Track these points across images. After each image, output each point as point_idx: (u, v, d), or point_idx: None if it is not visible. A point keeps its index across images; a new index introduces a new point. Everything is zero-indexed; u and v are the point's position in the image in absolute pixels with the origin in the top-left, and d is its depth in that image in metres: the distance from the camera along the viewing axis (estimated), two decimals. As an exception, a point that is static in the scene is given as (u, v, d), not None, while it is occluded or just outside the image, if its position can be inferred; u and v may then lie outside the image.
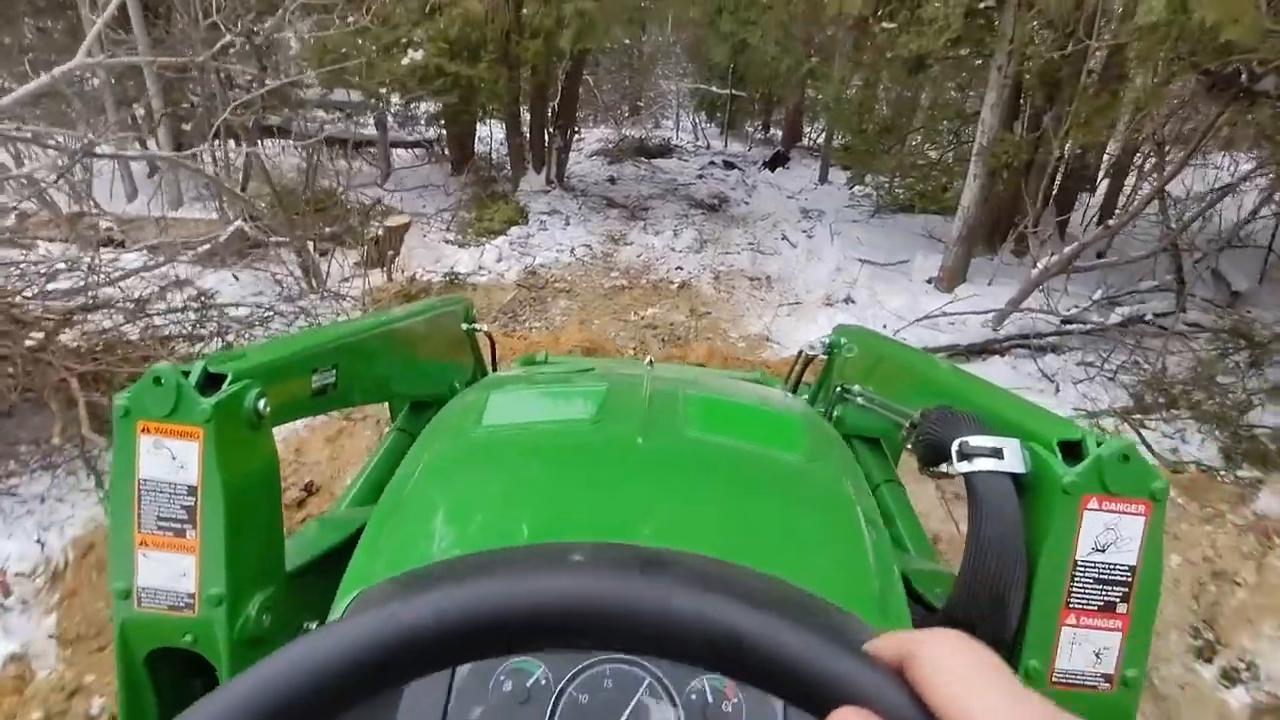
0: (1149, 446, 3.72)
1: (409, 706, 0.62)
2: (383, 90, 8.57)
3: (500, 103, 8.33)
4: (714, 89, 17.54)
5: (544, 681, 0.64)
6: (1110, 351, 4.81)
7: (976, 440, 0.76)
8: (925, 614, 0.84)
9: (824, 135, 12.04)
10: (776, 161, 13.31)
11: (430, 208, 9.33)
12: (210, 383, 0.79)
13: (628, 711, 0.62)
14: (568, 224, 8.89)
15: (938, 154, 7.23)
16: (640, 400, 1.01)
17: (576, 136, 16.42)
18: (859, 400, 1.38)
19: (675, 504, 0.82)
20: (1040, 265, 5.37)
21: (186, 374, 0.77)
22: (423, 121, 10.09)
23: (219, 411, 0.76)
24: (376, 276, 6.35)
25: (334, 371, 1.04)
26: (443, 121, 10.95)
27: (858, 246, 8.07)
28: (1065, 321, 5.14)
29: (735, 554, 0.58)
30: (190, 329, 4.16)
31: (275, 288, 5.63)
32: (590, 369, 1.57)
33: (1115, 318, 5.17)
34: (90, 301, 3.82)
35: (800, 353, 1.87)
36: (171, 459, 0.76)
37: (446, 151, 11.47)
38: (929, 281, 6.86)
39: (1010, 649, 0.75)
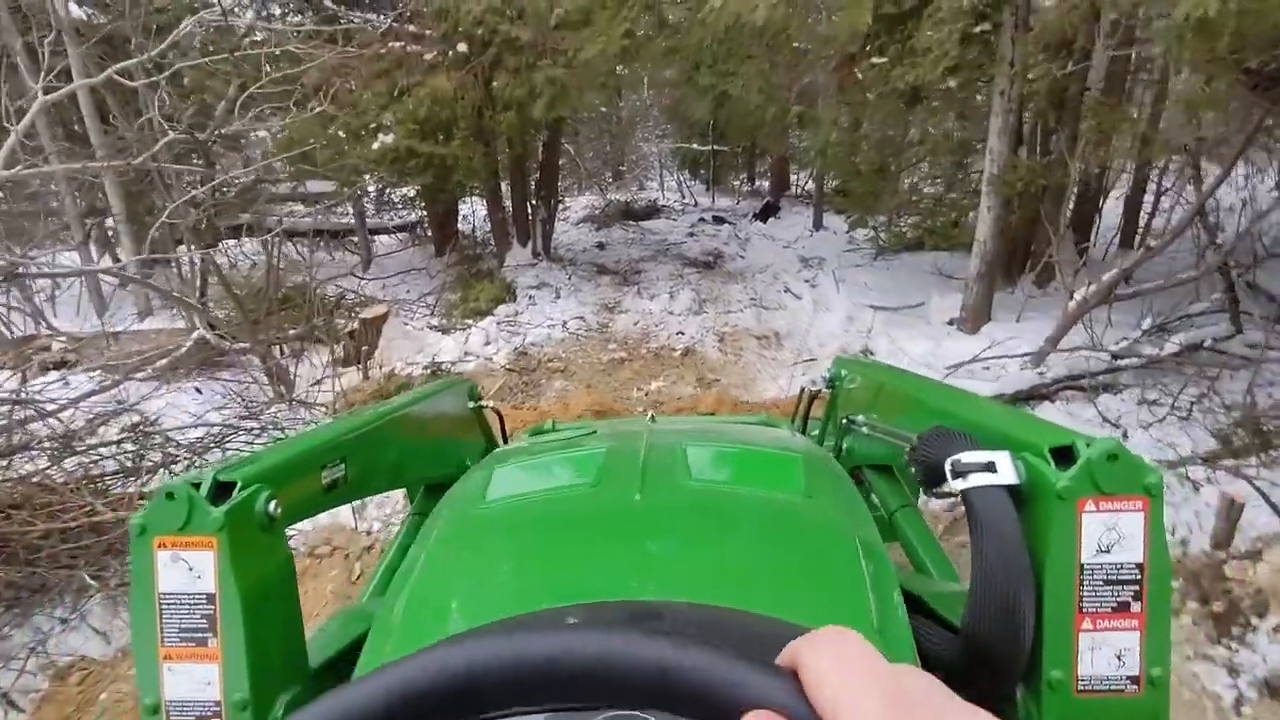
0: (1271, 504, 3.12)
1: None
2: (355, 178, 8.25)
3: (478, 179, 7.99)
4: (696, 146, 17.46)
5: None
6: (1180, 388, 4.24)
7: (969, 457, 0.76)
8: (947, 636, 0.80)
9: (814, 181, 11.74)
10: (767, 212, 13.01)
11: (414, 293, 8.91)
12: (221, 491, 0.79)
13: None
14: (558, 296, 8.44)
15: (940, 188, 6.82)
16: (638, 458, 1.00)
17: (561, 205, 16.29)
18: (864, 430, 1.37)
19: (671, 556, 0.82)
20: (1078, 296, 4.85)
21: (197, 485, 0.78)
22: (400, 205, 9.74)
23: (231, 518, 0.77)
24: (353, 375, 5.85)
25: (343, 465, 1.04)
26: (422, 203, 10.69)
27: (866, 292, 7.60)
28: (1116, 356, 4.59)
29: (730, 597, 0.69)
30: (131, 462, 3.62)
31: (242, 399, 5.12)
32: (592, 432, 1.56)
33: (1171, 347, 4.62)
34: (7, 444, 3.28)
35: (803, 390, 1.87)
36: (189, 570, 0.77)
37: (429, 233, 11.20)
38: (950, 323, 6.35)
39: (1030, 662, 0.73)
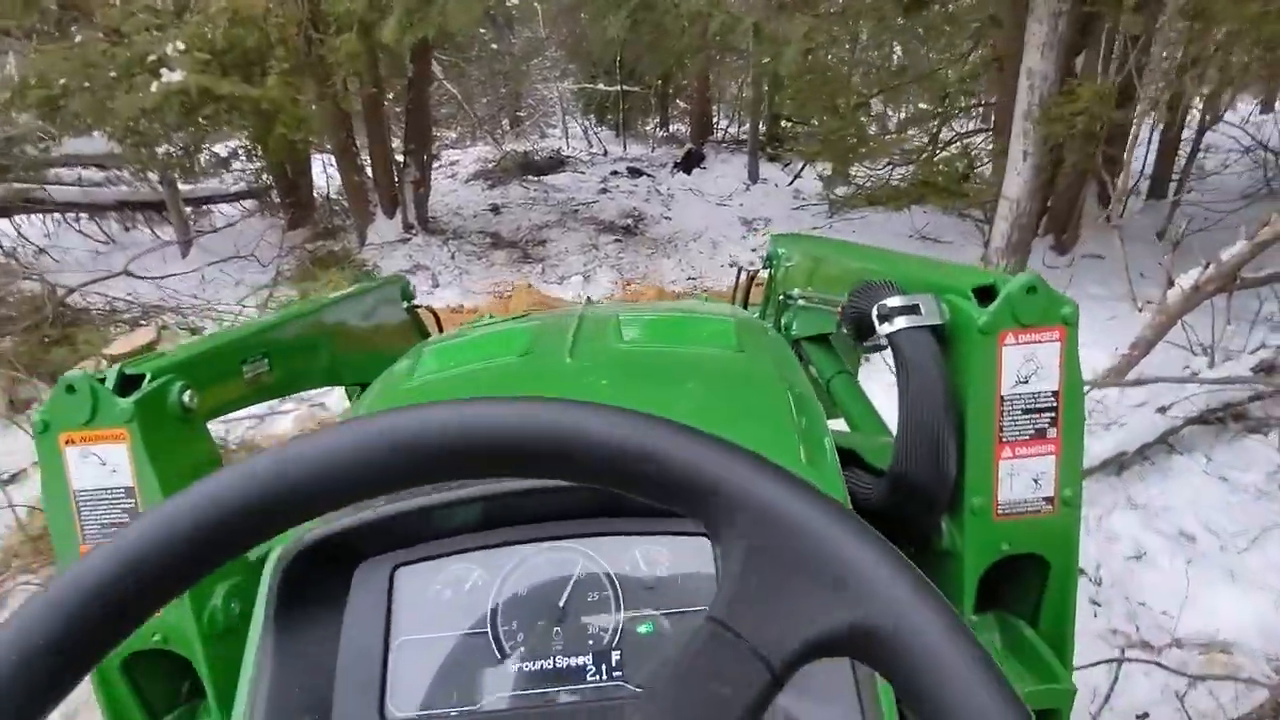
0: None
1: (352, 623, 0.62)
2: (136, 132, 5.90)
3: (310, 130, 5.81)
4: (602, 86, 15.41)
5: (481, 582, 0.64)
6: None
7: (893, 301, 0.77)
8: (876, 480, 0.80)
9: (750, 123, 9.96)
10: (690, 161, 11.19)
11: (246, 286, 6.72)
12: (129, 384, 0.76)
13: (566, 593, 0.63)
14: (436, 284, 6.46)
15: (940, 127, 5.23)
16: (569, 330, 0.98)
17: (448, 161, 13.97)
18: (800, 303, 1.38)
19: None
20: (1182, 282, 3.32)
21: (102, 380, 0.75)
22: (236, 161, 7.36)
23: (142, 409, 0.74)
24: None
25: (266, 361, 1.02)
26: (260, 164, 8.33)
27: (835, 265, 5.97)
28: (1265, 370, 3.09)
29: None
30: None
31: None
32: (525, 315, 1.52)
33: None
34: None
35: (739, 269, 1.87)
36: (102, 465, 0.75)
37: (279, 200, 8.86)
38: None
39: (953, 493, 0.75)
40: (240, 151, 7.12)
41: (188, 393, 0.79)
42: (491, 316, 2.26)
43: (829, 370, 1.34)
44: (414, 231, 7.46)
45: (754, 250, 6.78)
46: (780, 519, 0.31)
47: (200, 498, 0.33)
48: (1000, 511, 0.76)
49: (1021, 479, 0.75)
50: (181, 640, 0.76)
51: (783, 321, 1.51)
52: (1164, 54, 3.72)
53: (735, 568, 0.31)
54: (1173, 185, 5.52)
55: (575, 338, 0.94)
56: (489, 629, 0.62)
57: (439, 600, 0.64)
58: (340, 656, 0.62)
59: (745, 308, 1.83)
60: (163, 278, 6.22)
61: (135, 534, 0.32)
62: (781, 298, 1.50)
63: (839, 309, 0.92)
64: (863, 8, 4.18)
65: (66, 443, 0.74)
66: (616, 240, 8.13)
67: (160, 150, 5.96)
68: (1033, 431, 0.75)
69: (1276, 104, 5.68)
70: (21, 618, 0.30)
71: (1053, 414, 0.75)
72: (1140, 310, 4.22)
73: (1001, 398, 0.74)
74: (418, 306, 1.73)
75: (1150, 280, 4.59)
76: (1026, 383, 0.74)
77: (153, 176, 6.82)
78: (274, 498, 0.33)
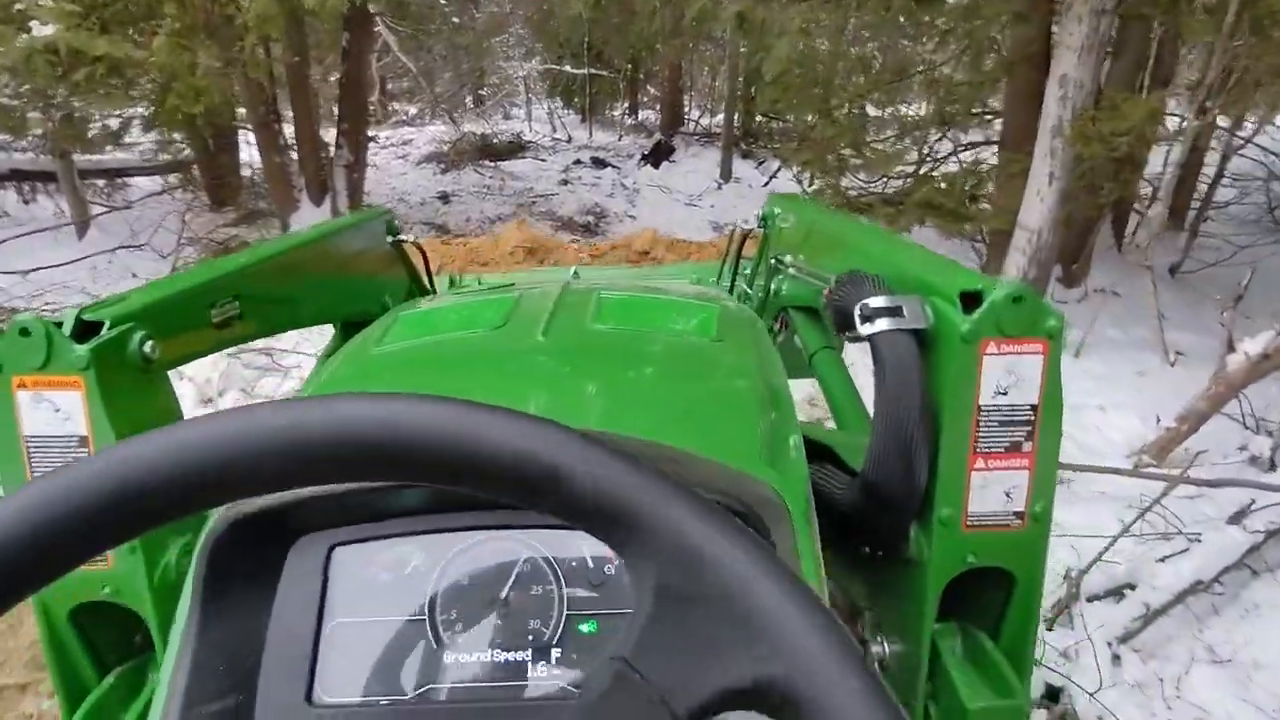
0: None
1: (284, 601, 0.60)
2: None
3: (212, 103, 4.92)
4: (568, 69, 14.54)
5: (421, 567, 0.62)
6: None
7: (876, 301, 0.75)
8: (847, 481, 0.80)
9: (725, 117, 9.26)
10: (659, 154, 10.45)
11: (145, 279, 5.81)
12: (88, 331, 0.75)
13: (509, 585, 0.61)
14: (365, 288, 5.63)
15: (941, 136, 4.57)
16: (548, 305, 0.96)
17: (402, 140, 13.01)
18: (791, 270, 1.36)
19: (563, 388, 0.78)
20: (1245, 349, 2.75)
21: (59, 325, 0.73)
22: (119, 138, 6.41)
23: (98, 357, 0.72)
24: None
25: (236, 302, 0.98)
26: (176, 137, 7.37)
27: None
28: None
29: (620, 424, 0.65)
30: None
31: None
32: (510, 284, 1.56)
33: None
34: None
35: (734, 229, 1.80)
36: (55, 411, 0.73)
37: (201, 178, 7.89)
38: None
39: (922, 502, 0.74)
40: (137, 122, 6.14)
41: (149, 343, 0.77)
42: (479, 280, 2.13)
43: (814, 344, 1.30)
44: (345, 222, 6.62)
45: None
46: (698, 558, 0.29)
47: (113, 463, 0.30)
48: (969, 523, 0.74)
49: (993, 491, 0.74)
50: (131, 593, 0.75)
51: (771, 286, 1.47)
52: (1221, 66, 3.11)
53: (647, 606, 0.30)
54: (1185, 214, 5.00)
55: (552, 315, 0.92)
56: (427, 616, 0.60)
57: (376, 583, 0.62)
58: (269, 635, 0.59)
59: (737, 266, 1.82)
60: (29, 272, 5.27)
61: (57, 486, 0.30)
62: (773, 261, 1.46)
63: (826, 290, 0.89)
64: (867, -5, 3.49)
65: (19, 386, 0.73)
66: (575, 240, 7.38)
67: (31, 115, 5.02)
68: (1008, 444, 0.73)
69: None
70: None
71: (1029, 428, 0.73)
72: (1173, 364, 3.65)
73: (979, 407, 0.72)
74: (403, 240, 1.65)
75: (1171, 323, 4.04)
76: (1006, 394, 0.72)
77: (33, 144, 5.86)
78: (149, 489, 0.30)
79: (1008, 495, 0.74)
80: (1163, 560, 2.23)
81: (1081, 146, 3.27)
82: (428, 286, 1.79)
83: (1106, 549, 2.18)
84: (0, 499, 0.29)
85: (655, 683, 0.28)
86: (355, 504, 0.61)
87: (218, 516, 0.59)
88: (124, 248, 5.96)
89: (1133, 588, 2.21)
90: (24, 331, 0.71)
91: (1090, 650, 1.96)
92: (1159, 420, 3.06)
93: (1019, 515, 0.75)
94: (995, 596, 0.78)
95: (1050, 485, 0.75)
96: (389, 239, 1.61)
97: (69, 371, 0.71)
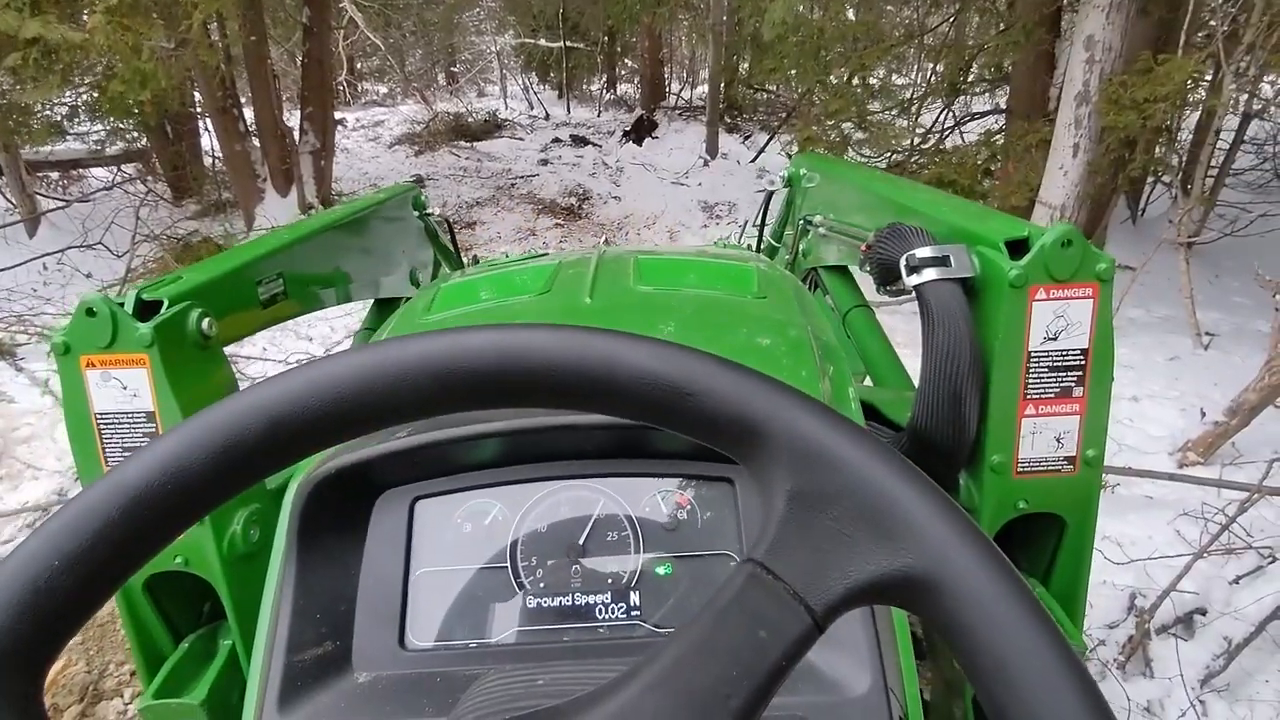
0: None
1: (372, 553, 0.63)
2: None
3: (159, 88, 4.51)
4: (544, 42, 14.05)
5: (501, 517, 0.64)
6: None
7: (923, 252, 0.73)
8: (894, 434, 0.77)
9: (709, 90, 8.89)
10: (641, 130, 10.07)
11: (100, 281, 5.42)
12: (148, 310, 0.76)
13: (586, 532, 0.63)
14: (337, 284, 5.29)
15: (944, 108, 4.27)
16: (589, 270, 0.96)
17: (374, 121, 12.49)
18: (821, 230, 1.34)
19: None
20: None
21: (122, 304, 0.74)
22: (62, 128, 5.97)
23: (161, 335, 0.73)
24: None
25: (280, 280, 1.00)
26: (127, 126, 6.91)
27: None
28: None
29: None
30: None
31: None
32: (544, 254, 1.52)
33: None
34: None
35: (763, 192, 1.82)
36: (123, 389, 0.75)
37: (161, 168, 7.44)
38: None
39: (972, 449, 0.74)
40: (80, 110, 5.70)
41: (205, 320, 0.78)
42: (507, 254, 2.12)
43: (847, 303, 1.29)
44: (314, 212, 6.23)
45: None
46: (828, 461, 0.30)
47: (246, 408, 0.32)
48: (1020, 469, 0.74)
49: (1044, 437, 0.74)
50: (202, 563, 0.77)
51: (800, 247, 1.46)
52: (1265, 21, 2.84)
53: (779, 510, 0.30)
54: (1196, 182, 4.76)
55: (595, 278, 0.93)
56: (508, 563, 0.63)
57: (459, 533, 0.64)
58: (360, 586, 0.62)
59: (762, 228, 1.82)
60: None
61: (174, 442, 0.31)
62: (801, 222, 1.46)
63: (864, 246, 0.87)
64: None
65: (87, 365, 0.74)
66: (558, 224, 7.06)
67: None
68: (1058, 390, 0.72)
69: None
70: (52, 528, 0.29)
71: (1080, 373, 0.72)
72: (1206, 348, 3.43)
73: (1029, 354, 0.72)
74: (430, 214, 1.66)
75: (1198, 301, 3.81)
76: (1055, 339, 0.71)
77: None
78: (311, 416, 0.32)
79: (1058, 440, 0.73)
80: (1236, 581, 2.01)
81: (1114, 115, 3.00)
82: (457, 261, 1.78)
83: (1178, 579, 1.94)
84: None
85: (791, 582, 0.28)
86: (434, 458, 0.64)
87: (304, 476, 0.61)
88: (73, 248, 5.55)
89: (1203, 613, 1.98)
90: (90, 312, 0.72)
91: (1170, 694, 1.74)
92: (1203, 415, 2.83)
93: (1070, 460, 0.74)
94: (1047, 542, 0.78)
95: (1101, 431, 0.74)
96: (416, 214, 1.61)
97: (134, 349, 0.73)
